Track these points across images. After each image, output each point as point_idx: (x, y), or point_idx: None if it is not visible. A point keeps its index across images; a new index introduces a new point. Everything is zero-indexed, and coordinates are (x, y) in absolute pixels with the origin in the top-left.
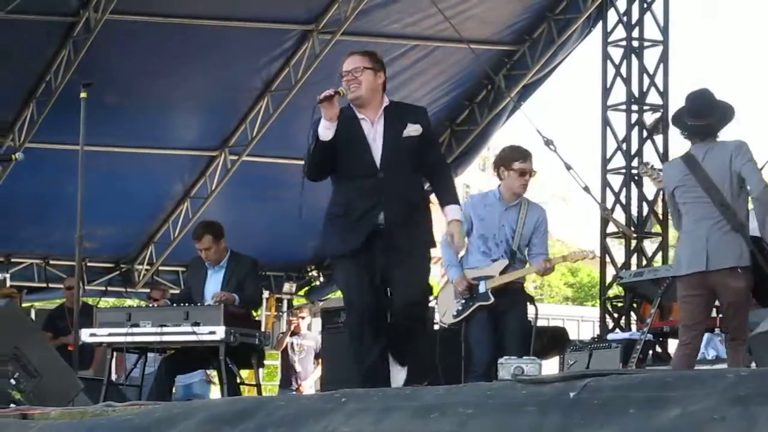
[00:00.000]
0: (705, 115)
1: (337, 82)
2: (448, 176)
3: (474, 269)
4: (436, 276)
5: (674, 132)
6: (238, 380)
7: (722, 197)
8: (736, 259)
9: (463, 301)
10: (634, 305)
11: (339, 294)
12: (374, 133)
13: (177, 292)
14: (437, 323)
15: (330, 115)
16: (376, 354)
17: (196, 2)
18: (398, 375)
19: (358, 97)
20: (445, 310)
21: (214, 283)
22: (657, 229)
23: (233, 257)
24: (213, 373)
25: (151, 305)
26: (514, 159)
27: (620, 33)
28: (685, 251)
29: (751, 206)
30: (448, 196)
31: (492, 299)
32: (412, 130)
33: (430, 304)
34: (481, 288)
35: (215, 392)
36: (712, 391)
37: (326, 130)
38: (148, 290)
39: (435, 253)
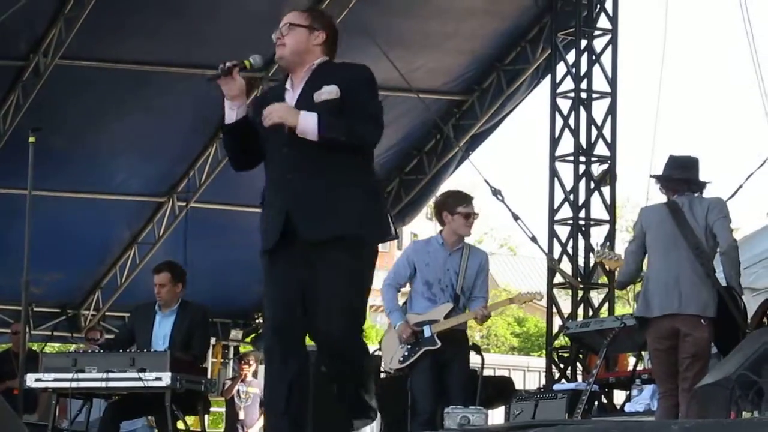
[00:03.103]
0: (689, 167)
1: None
2: (357, 126)
3: (418, 315)
4: (383, 322)
5: (621, 184)
6: (184, 427)
7: (699, 241)
8: (702, 308)
9: (409, 346)
10: (580, 356)
11: None
12: (290, 101)
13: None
14: (383, 371)
15: (231, 92)
16: (295, 372)
17: (145, 49)
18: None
19: (281, 58)
20: (390, 355)
21: (162, 329)
22: (603, 280)
23: (184, 305)
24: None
25: (91, 348)
26: (457, 203)
27: (569, 84)
28: (656, 292)
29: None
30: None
31: (438, 344)
32: (326, 92)
33: (377, 353)
34: (426, 332)
35: None
36: None
37: (229, 111)
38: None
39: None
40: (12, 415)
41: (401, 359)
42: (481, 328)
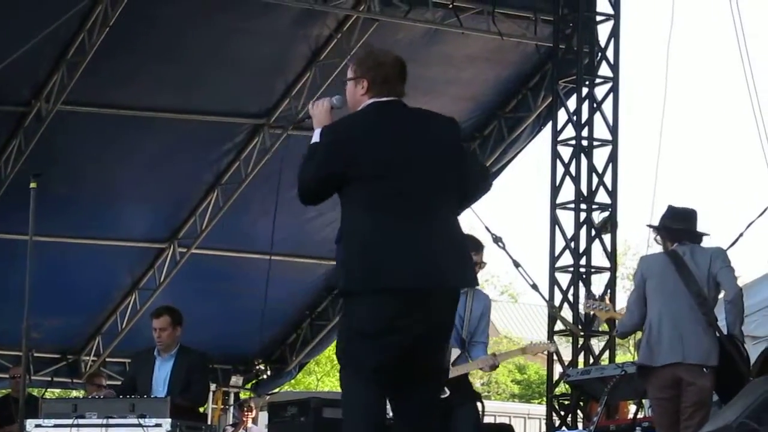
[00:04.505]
0: (688, 219)
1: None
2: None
3: None
4: None
5: (622, 231)
6: None
7: (701, 289)
8: (705, 356)
9: None
10: (581, 403)
11: (286, 388)
12: None
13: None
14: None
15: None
16: None
17: (147, 95)
18: None
19: None
20: None
21: (162, 374)
22: (604, 327)
23: (183, 350)
24: None
25: (94, 395)
26: None
27: (570, 132)
28: (659, 341)
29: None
30: None
31: (447, 392)
32: None
33: None
34: None
35: None
36: None
37: None
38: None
39: None
40: None
41: None
42: (482, 375)
